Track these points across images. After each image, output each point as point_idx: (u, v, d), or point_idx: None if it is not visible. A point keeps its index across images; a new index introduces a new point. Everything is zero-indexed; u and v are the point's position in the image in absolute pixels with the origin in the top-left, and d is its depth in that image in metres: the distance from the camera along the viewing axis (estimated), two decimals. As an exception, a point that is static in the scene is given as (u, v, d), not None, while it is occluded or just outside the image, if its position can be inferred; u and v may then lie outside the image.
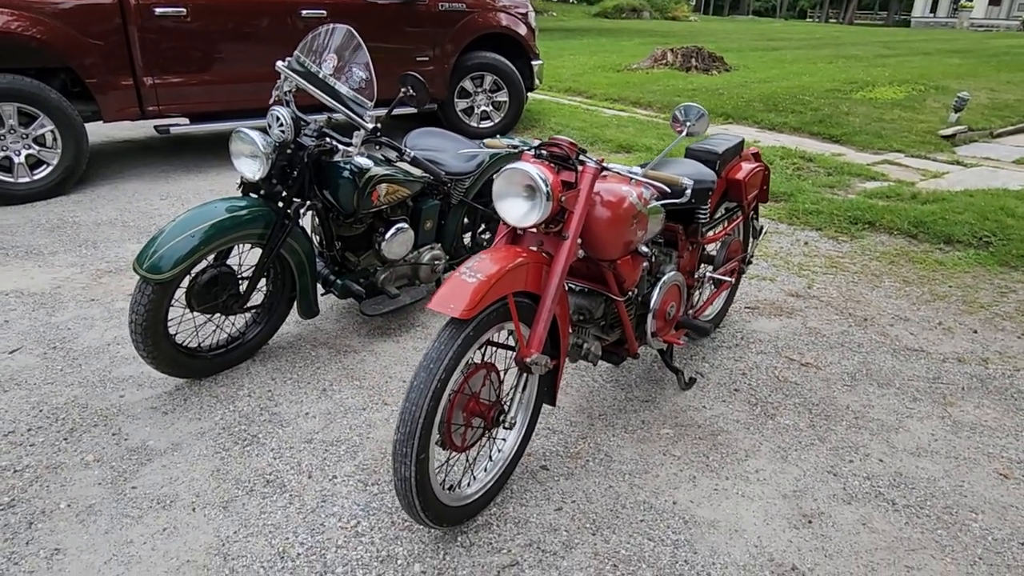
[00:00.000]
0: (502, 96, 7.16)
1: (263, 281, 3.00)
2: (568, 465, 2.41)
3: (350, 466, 2.37)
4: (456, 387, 1.94)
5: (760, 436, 2.60)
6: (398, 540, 2.06)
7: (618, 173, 2.07)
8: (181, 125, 5.62)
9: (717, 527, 2.15)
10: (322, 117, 3.06)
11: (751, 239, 3.29)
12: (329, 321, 3.38)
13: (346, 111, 2.77)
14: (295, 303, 2.99)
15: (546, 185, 1.94)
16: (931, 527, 2.17)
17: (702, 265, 3.00)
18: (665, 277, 2.56)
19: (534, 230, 2.10)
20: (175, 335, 2.72)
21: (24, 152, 4.95)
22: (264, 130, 2.74)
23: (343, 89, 2.80)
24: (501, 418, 2.05)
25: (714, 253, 3.08)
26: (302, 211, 2.78)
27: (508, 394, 2.11)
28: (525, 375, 2.22)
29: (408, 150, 2.89)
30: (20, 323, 3.28)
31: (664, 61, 11.57)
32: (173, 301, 2.62)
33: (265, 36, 5.69)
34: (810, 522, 2.18)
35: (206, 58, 5.51)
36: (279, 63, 2.89)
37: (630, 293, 2.38)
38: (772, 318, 3.53)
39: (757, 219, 3.41)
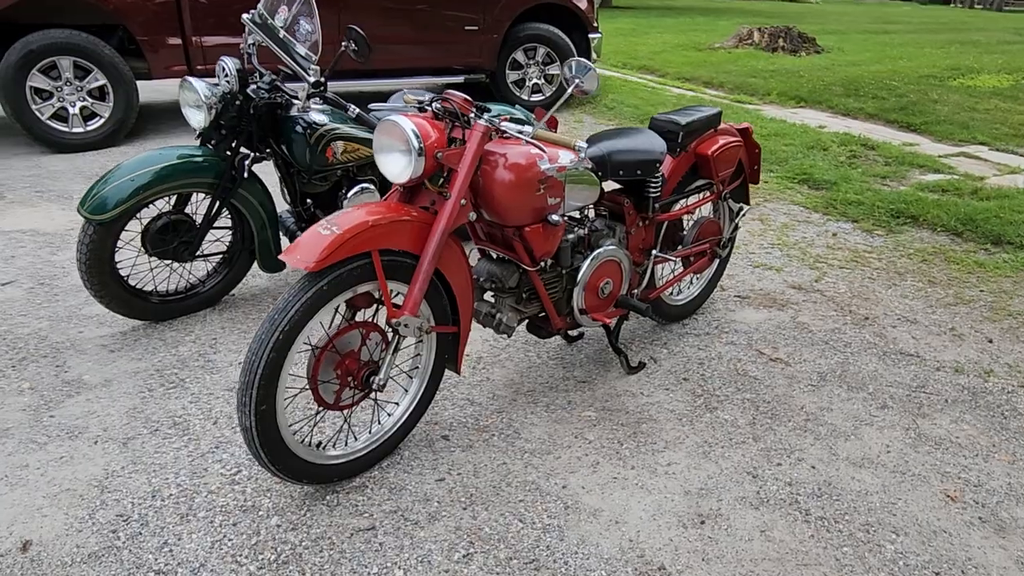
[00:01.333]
0: (555, 69, 6.99)
1: (227, 233, 3.05)
2: (471, 438, 2.33)
3: (257, 417, 2.39)
4: (322, 343, 1.91)
5: (689, 429, 2.42)
6: (268, 492, 2.06)
7: (512, 134, 1.95)
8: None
9: (598, 516, 2.02)
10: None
11: (728, 221, 3.06)
12: (297, 276, 3.41)
13: (292, 64, 2.76)
14: (256, 257, 3.04)
15: (418, 140, 1.85)
16: (837, 543, 1.95)
17: (663, 244, 2.82)
18: (598, 251, 2.41)
19: (428, 188, 2.02)
20: (127, 277, 2.81)
21: (79, 104, 5.27)
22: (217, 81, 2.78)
23: (291, 42, 2.79)
24: (371, 379, 1.99)
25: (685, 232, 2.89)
26: (247, 163, 2.80)
27: (391, 358, 2.04)
28: (425, 339, 2.15)
29: (352, 107, 2.84)
30: (23, 259, 3.50)
31: (749, 41, 10.97)
32: (124, 244, 2.72)
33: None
34: (702, 523, 2.01)
35: (253, 20, 5.65)
36: (244, 16, 2.91)
37: (542, 263, 2.26)
38: (760, 309, 3.28)
39: (747, 201, 3.17)
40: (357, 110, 2.87)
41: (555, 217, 2.16)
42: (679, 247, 2.88)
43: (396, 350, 2.01)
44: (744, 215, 3.11)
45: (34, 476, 2.10)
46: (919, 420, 2.51)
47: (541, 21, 6.85)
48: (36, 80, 5.05)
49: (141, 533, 1.90)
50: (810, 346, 2.98)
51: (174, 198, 2.82)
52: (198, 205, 2.94)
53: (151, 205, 2.72)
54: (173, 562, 1.82)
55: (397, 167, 1.90)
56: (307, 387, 1.96)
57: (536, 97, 7.07)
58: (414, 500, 2.05)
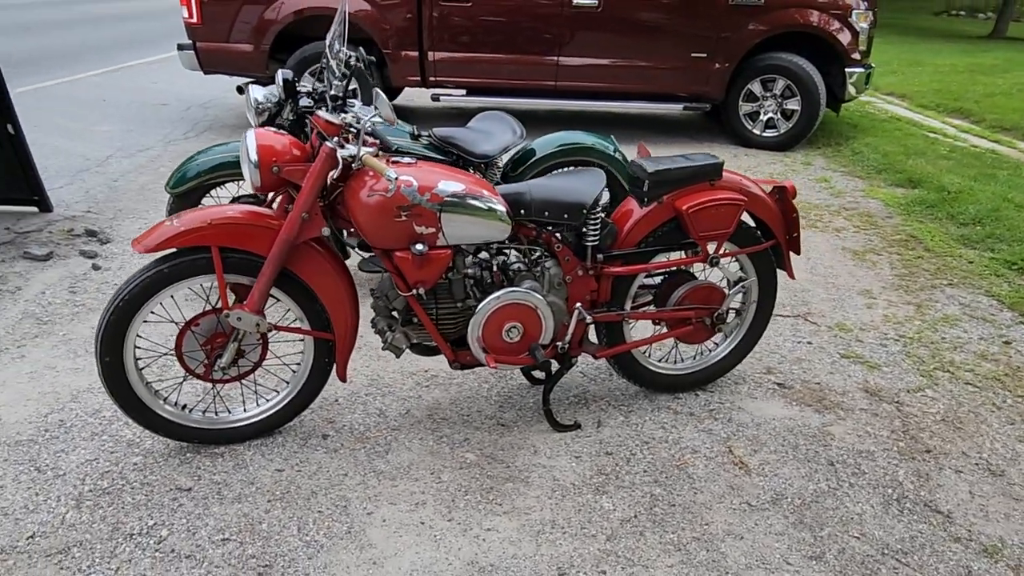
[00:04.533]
0: (793, 104, 6.32)
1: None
2: (345, 443, 2.41)
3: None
4: (187, 321, 2.20)
5: (552, 503, 2.18)
6: (150, 437, 2.41)
7: (346, 156, 1.99)
8: (456, 96, 6.44)
9: (364, 551, 1.97)
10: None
11: (729, 292, 2.58)
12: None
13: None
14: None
15: (255, 154, 2.01)
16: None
17: (631, 298, 2.52)
18: (503, 292, 2.28)
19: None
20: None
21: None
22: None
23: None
24: (216, 363, 2.21)
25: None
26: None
27: (233, 346, 2.23)
28: (305, 342, 2.31)
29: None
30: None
31: None
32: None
33: (536, 22, 6.10)
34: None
35: (482, 39, 6.18)
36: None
37: (416, 291, 2.22)
38: (792, 405, 2.71)
39: (789, 272, 2.65)
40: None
41: (419, 247, 2.13)
42: (648, 305, 2.55)
43: (237, 340, 2.20)
44: (745, 287, 2.61)
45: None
46: (846, 590, 1.91)
47: (792, 50, 6.24)
48: (305, 81, 6.20)
49: (59, 436, 2.40)
50: (803, 463, 2.40)
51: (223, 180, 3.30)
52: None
53: (223, 187, 3.28)
54: (60, 463, 2.26)
55: (246, 176, 2.09)
56: (171, 353, 2.26)
57: (769, 133, 6.47)
58: (241, 480, 2.23)
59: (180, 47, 6.18)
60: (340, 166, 2.02)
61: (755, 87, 6.38)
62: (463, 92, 6.47)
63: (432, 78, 6.34)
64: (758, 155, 6.26)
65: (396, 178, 1.93)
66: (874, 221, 4.67)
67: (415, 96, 7.73)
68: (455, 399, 2.68)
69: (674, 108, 6.48)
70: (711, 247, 2.47)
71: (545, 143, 3.54)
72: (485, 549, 2.01)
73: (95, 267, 3.63)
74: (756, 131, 6.50)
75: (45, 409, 2.53)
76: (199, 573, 1.89)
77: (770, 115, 6.44)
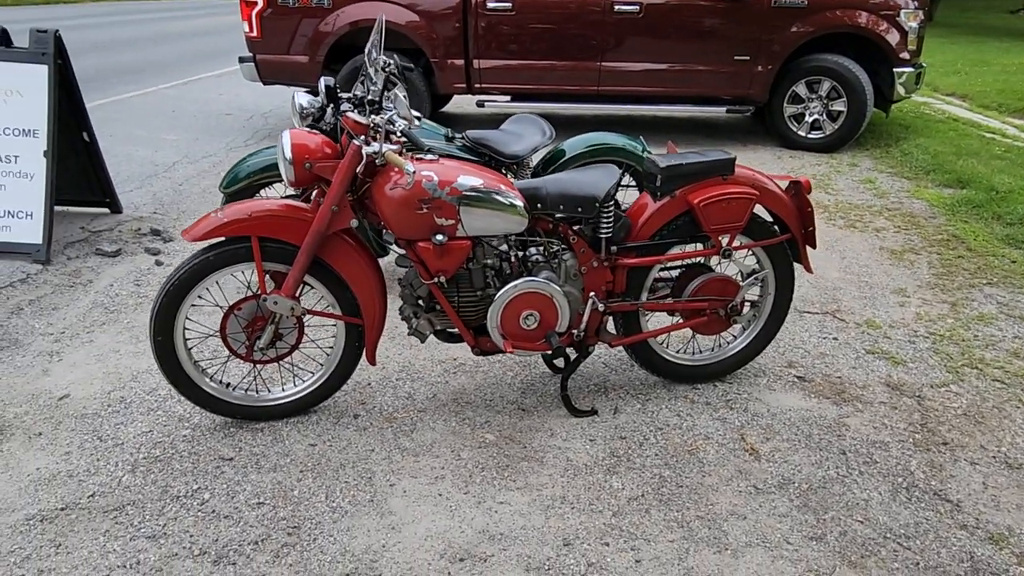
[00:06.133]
0: (840, 105, 6.26)
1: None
2: (374, 423, 2.58)
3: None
4: (231, 305, 2.41)
5: (563, 481, 2.29)
6: (198, 412, 2.63)
7: (370, 153, 2.16)
8: (500, 102, 6.62)
9: (384, 518, 2.13)
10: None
11: (742, 284, 2.65)
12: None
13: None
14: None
15: (290, 151, 2.20)
16: (558, 634, 1.75)
17: (649, 291, 2.62)
18: (520, 281, 2.42)
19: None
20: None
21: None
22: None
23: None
24: (256, 344, 2.41)
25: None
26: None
27: (270, 329, 2.43)
28: (337, 327, 2.49)
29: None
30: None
31: None
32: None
33: (579, 29, 6.23)
34: (460, 560, 1.98)
35: (526, 46, 6.34)
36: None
37: (437, 279, 2.38)
38: (810, 397, 2.76)
39: (807, 266, 2.71)
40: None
41: (439, 237, 2.29)
42: (665, 297, 2.64)
43: (274, 323, 2.40)
44: (759, 279, 2.67)
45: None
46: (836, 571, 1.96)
47: (839, 50, 6.19)
48: (357, 89, 6.47)
49: (120, 411, 2.65)
50: (814, 451, 2.45)
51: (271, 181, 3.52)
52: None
53: (272, 187, 3.51)
54: (120, 434, 2.51)
55: (282, 172, 2.28)
56: (216, 334, 2.48)
57: (815, 134, 6.42)
58: (277, 452, 2.42)
59: (241, 59, 6.54)
60: (364, 161, 2.20)
61: (800, 89, 6.34)
62: (508, 98, 6.64)
63: (478, 85, 6.53)
64: (803, 157, 6.23)
65: (414, 172, 2.10)
66: (916, 221, 4.62)
67: (463, 103, 7.95)
68: (480, 385, 2.83)
69: (718, 111, 6.51)
70: (724, 240, 2.55)
71: (575, 143, 3.66)
72: (496, 520, 2.14)
73: (158, 263, 3.93)
74: (801, 133, 6.46)
75: (109, 387, 2.79)
76: (235, 531, 2.08)
77: (815, 117, 6.39)
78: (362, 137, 2.23)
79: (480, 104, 6.63)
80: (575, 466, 2.37)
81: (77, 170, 4.30)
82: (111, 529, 2.08)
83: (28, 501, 2.19)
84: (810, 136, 6.44)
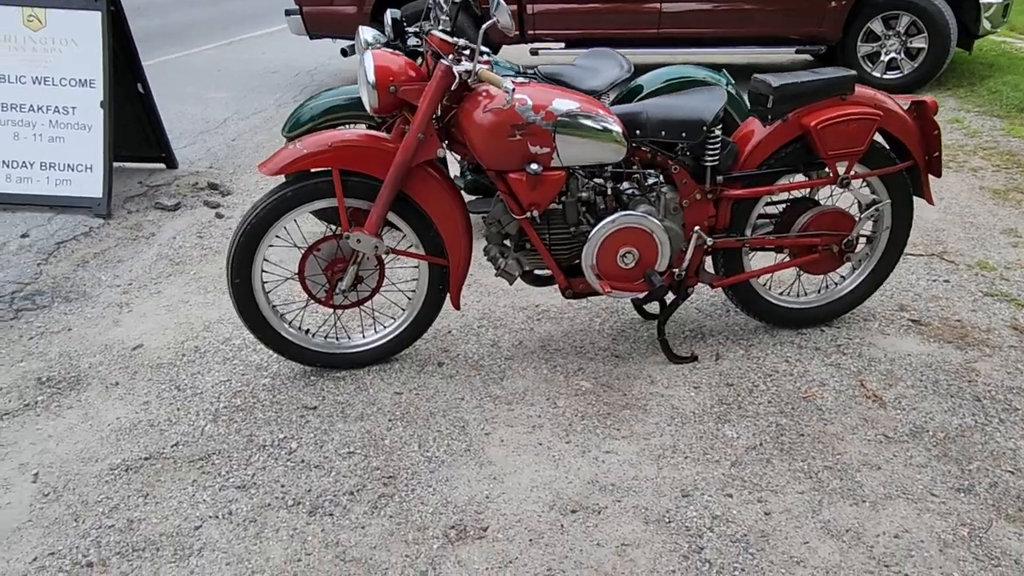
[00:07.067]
0: (920, 41, 5.85)
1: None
2: (460, 370, 2.43)
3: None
4: (309, 245, 2.26)
5: (671, 430, 2.12)
6: (278, 361, 2.50)
7: (473, 72, 1.97)
8: (554, 50, 6.34)
9: (484, 467, 1.99)
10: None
11: (859, 218, 2.41)
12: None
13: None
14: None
15: (373, 74, 2.02)
16: (691, 590, 1.59)
17: (752, 227, 2.40)
18: (616, 216, 2.22)
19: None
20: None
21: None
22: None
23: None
24: (337, 285, 2.27)
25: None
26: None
27: (352, 269, 2.27)
28: (420, 268, 2.34)
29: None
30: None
31: None
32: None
33: (637, -31, 5.90)
34: (573, 512, 1.83)
35: (582, -10, 6.04)
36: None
37: (530, 214, 2.19)
38: (930, 341, 2.52)
39: (928, 198, 2.46)
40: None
41: (534, 166, 2.09)
42: (770, 233, 2.42)
43: (356, 263, 2.24)
44: (879, 211, 2.42)
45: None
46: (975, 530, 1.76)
47: (915, -17, 5.77)
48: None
49: (195, 360, 2.54)
50: (945, 398, 2.23)
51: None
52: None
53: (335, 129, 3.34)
54: (198, 383, 2.40)
55: (364, 98, 2.10)
56: (295, 277, 2.34)
57: (892, 74, 6.01)
58: (363, 401, 2.29)
59: (287, 12, 6.37)
60: (457, 81, 2.00)
61: (876, 26, 5.93)
62: (562, 45, 6.35)
63: (531, 31, 6.26)
64: (879, 98, 5.84)
65: (513, 89, 1.90)
66: (1017, 160, 4.27)
67: (513, 55, 7.66)
68: (567, 332, 2.66)
69: (786, 52, 6.14)
70: (841, 168, 2.31)
71: (653, 78, 3.42)
72: (605, 470, 1.98)
73: (218, 215, 3.82)
74: (877, 73, 6.05)
75: (181, 337, 2.68)
76: (327, 481, 1.96)
77: (892, 55, 5.99)
78: (450, 56, 2.03)
79: (534, 52, 6.36)
80: (682, 414, 2.20)
81: (133, 122, 4.19)
82: (198, 479, 1.98)
83: (111, 450, 2.09)
84: (886, 76, 6.03)
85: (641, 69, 3.43)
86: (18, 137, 3.74)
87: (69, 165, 3.75)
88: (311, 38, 6.51)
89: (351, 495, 1.90)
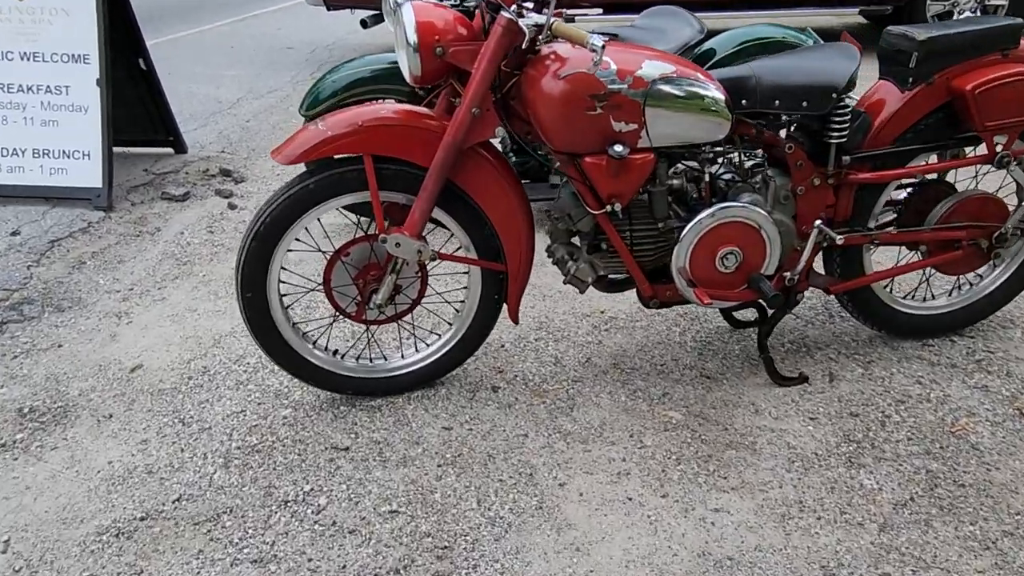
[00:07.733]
0: (1000, -2, 5.28)
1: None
2: (519, 398, 2.01)
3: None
4: (337, 249, 1.84)
5: (792, 478, 1.69)
6: (298, 387, 2.10)
7: (547, 26, 1.51)
8: (592, 15, 5.82)
9: (562, 533, 1.57)
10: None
11: (1020, 203, 1.94)
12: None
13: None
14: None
15: (415, 32, 1.57)
16: None
17: (878, 217, 1.94)
18: (718, 207, 1.77)
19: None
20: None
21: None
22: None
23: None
24: (372, 298, 1.84)
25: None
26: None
27: (390, 279, 1.84)
28: (471, 274, 1.91)
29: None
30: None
31: None
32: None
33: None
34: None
35: (621, -52, 5.51)
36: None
37: (611, 208, 1.75)
38: (1091, 355, 2.06)
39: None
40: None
41: (618, 148, 1.65)
42: (901, 227, 1.96)
43: (396, 271, 1.81)
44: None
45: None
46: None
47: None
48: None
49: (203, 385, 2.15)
50: None
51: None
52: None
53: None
54: (206, 415, 2.01)
55: (402, 65, 1.66)
56: (319, 288, 1.92)
57: (966, 36, 5.45)
58: (404, 439, 1.88)
59: (303, -19, 5.91)
60: (527, 39, 1.55)
61: (950, -19, 5.37)
62: (599, 11, 5.83)
63: (565, -4, 5.75)
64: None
65: (603, 46, 1.45)
66: None
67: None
68: (643, 345, 2.22)
69: (849, 13, 5.60)
70: (998, 143, 1.84)
71: (726, 41, 2.94)
72: (717, 536, 1.55)
73: (231, 206, 3.41)
74: (949, 35, 5.50)
75: (188, 355, 2.28)
76: (367, 553, 1.55)
77: (967, 14, 5.41)
78: (512, 8, 1.58)
79: (570, 20, 5.85)
80: (802, 455, 1.76)
81: (135, 103, 3.77)
82: (205, 548, 1.58)
83: (100, 507, 1.70)
84: (959, 38, 5.47)
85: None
86: (7, 121, 3.34)
87: (64, 152, 3.34)
88: (328, 9, 6.05)
89: (397, 574, 1.50)
